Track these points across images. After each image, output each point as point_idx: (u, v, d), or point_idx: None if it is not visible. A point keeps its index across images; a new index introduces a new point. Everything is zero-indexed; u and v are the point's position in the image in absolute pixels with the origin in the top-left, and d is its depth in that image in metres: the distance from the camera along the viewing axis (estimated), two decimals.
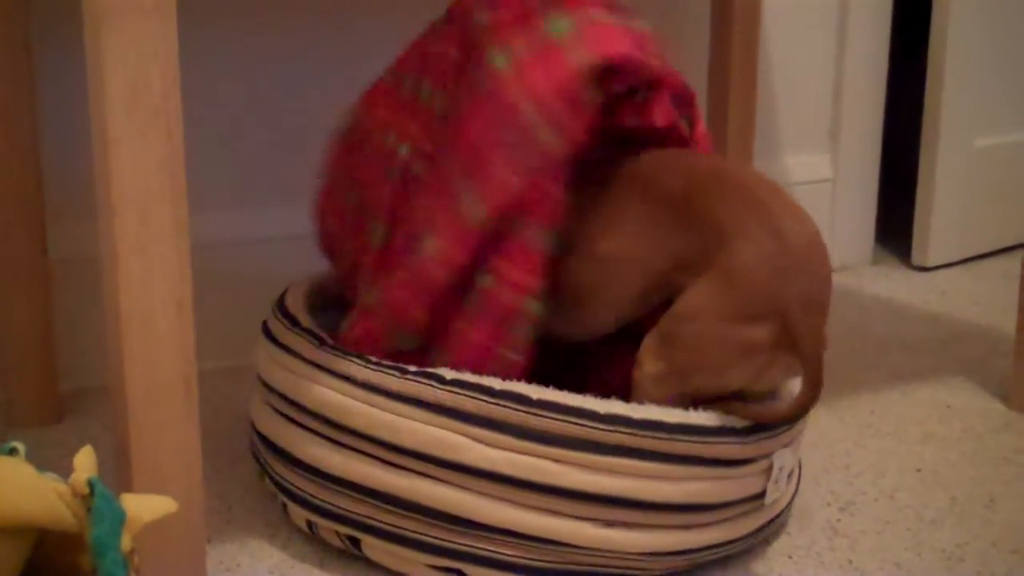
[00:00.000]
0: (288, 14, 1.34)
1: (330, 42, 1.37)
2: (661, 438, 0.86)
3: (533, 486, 0.86)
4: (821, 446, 1.16)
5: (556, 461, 0.86)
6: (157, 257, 0.76)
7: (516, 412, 0.86)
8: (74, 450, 1.11)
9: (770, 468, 0.91)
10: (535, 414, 0.86)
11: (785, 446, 0.92)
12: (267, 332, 1.01)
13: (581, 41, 0.90)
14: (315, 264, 1.14)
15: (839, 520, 1.02)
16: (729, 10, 1.45)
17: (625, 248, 0.95)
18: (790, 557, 0.96)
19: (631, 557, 0.88)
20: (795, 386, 0.95)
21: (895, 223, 1.89)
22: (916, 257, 1.79)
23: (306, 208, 1.21)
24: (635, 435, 0.86)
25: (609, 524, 0.88)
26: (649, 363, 0.91)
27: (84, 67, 1.24)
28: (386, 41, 1.39)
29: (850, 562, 0.95)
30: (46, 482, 0.65)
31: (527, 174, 0.90)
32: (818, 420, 1.23)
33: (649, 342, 0.92)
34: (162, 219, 0.76)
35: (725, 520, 0.91)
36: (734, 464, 0.89)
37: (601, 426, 0.86)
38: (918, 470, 1.12)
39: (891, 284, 1.72)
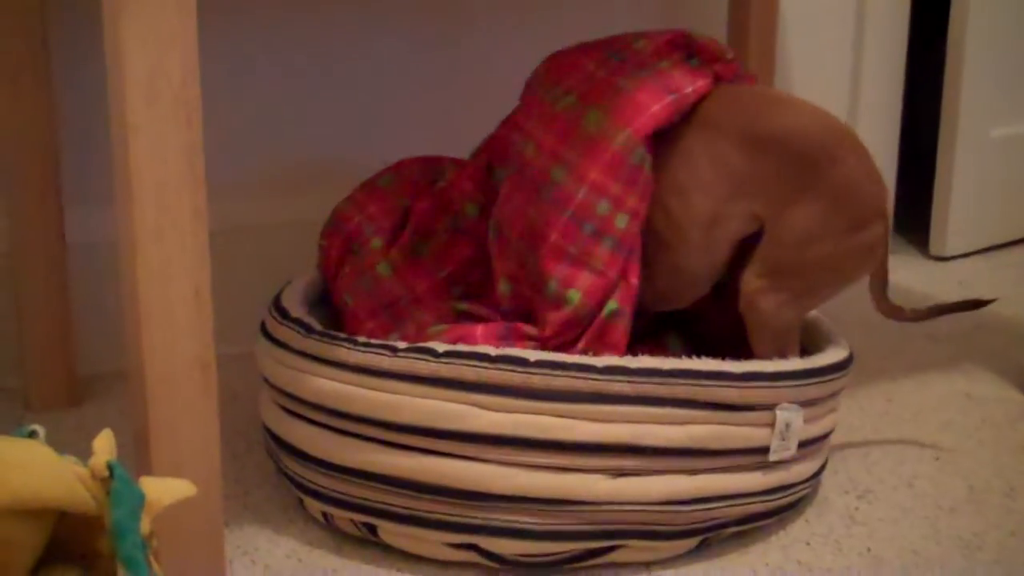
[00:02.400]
0: (309, 5, 1.34)
1: (348, 28, 1.37)
2: (658, 383, 0.89)
3: (541, 444, 0.87)
4: (839, 434, 1.16)
5: (561, 416, 0.88)
6: (175, 244, 0.76)
7: (516, 374, 0.87)
8: (92, 434, 1.12)
9: (774, 422, 0.92)
10: (535, 373, 0.87)
11: (791, 402, 0.93)
12: (263, 328, 1.01)
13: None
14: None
15: (857, 508, 1.02)
16: (746, 3, 1.44)
17: (710, 203, 0.98)
18: (808, 544, 0.96)
19: (644, 508, 0.89)
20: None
21: (913, 213, 1.88)
22: (934, 247, 1.79)
23: (324, 193, 1.21)
24: (634, 383, 0.88)
25: (619, 474, 0.89)
26: (763, 302, 0.97)
27: (101, 53, 1.24)
28: (398, 31, 1.39)
29: (868, 550, 0.95)
30: (66, 465, 0.65)
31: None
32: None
33: (759, 283, 0.97)
34: (181, 206, 0.76)
35: (731, 469, 0.92)
36: (732, 409, 0.91)
37: (601, 377, 0.88)
38: (936, 458, 1.12)
39: (909, 274, 1.71)
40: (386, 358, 0.89)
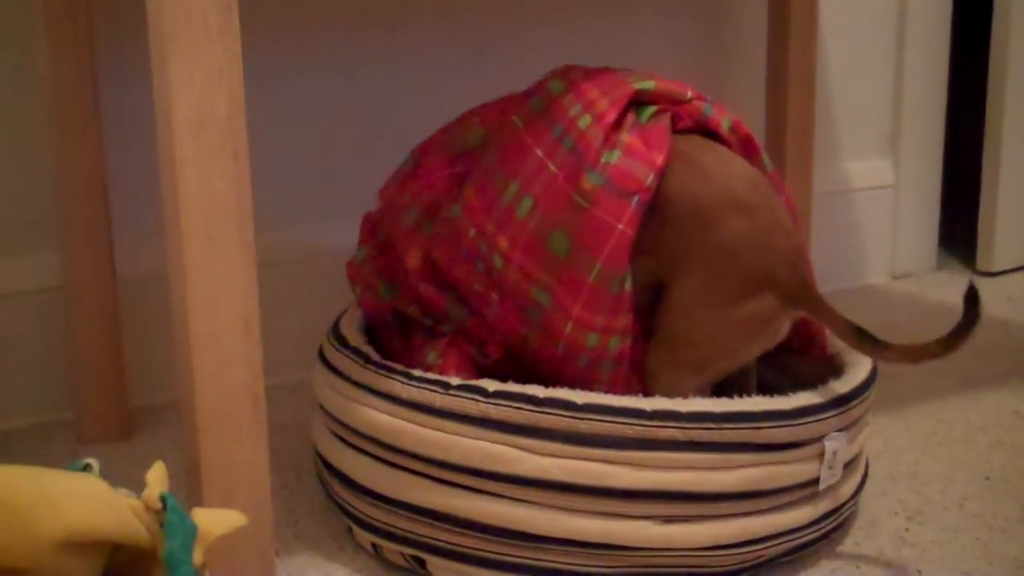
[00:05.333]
0: (346, 32, 1.36)
1: (389, 57, 1.38)
2: (710, 428, 0.87)
3: (588, 490, 0.87)
4: (887, 455, 1.15)
5: (609, 463, 0.87)
6: (224, 276, 0.77)
7: (563, 418, 0.87)
8: (143, 466, 1.13)
9: (822, 453, 0.91)
10: (583, 418, 0.87)
11: (838, 431, 0.92)
12: (321, 354, 1.02)
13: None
14: None
15: (907, 530, 1.01)
16: (786, 15, 1.44)
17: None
18: (858, 567, 0.95)
19: (694, 553, 0.88)
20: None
21: (959, 228, 1.87)
22: (981, 262, 1.77)
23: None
24: (684, 428, 0.87)
25: (668, 520, 0.88)
26: (663, 373, 0.93)
27: (149, 87, 1.26)
28: (441, 56, 1.40)
29: (919, 572, 0.94)
30: (120, 498, 0.66)
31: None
32: (884, 429, 1.22)
33: (653, 355, 0.94)
34: (229, 238, 0.77)
35: (782, 507, 0.91)
36: (785, 448, 0.89)
37: (650, 423, 0.87)
38: (987, 478, 1.11)
39: (956, 290, 1.70)
40: (438, 395, 0.90)
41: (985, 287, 1.71)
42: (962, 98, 1.93)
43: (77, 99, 1.13)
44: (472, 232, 0.97)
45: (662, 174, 0.92)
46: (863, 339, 0.90)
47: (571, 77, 0.98)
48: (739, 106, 1.60)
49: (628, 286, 0.92)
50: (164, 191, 0.78)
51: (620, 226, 0.91)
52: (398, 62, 1.38)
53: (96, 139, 1.15)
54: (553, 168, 0.93)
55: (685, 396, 0.91)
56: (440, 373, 0.95)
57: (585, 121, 0.94)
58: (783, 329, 0.94)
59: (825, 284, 1.70)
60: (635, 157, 0.92)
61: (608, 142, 0.93)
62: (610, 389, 0.93)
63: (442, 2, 1.39)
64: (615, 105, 0.94)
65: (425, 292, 1.00)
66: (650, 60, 1.53)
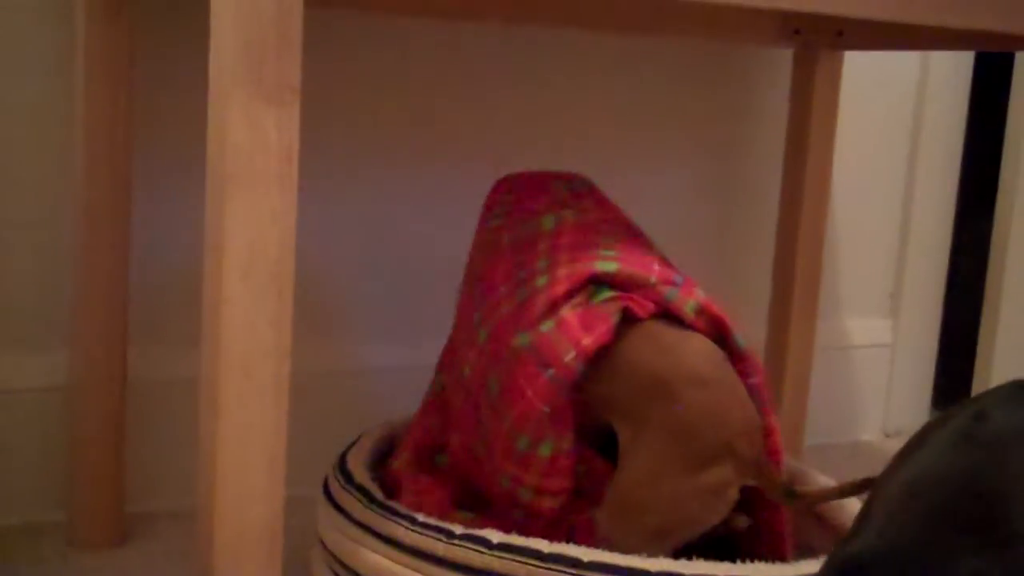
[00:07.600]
0: (382, 156, 1.37)
1: (425, 181, 1.39)
2: None
3: None
4: None
5: None
6: (257, 413, 0.77)
7: (567, 575, 0.86)
8: (135, 575, 1.11)
9: None
10: (585, 575, 0.85)
11: None
12: (325, 489, 1.01)
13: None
14: (401, 400, 1.14)
15: None
16: (800, 179, 1.47)
17: None
18: None
19: None
20: None
21: (953, 387, 1.88)
22: None
23: (397, 342, 1.22)
24: None
25: None
26: (621, 543, 0.92)
27: (179, 194, 1.27)
28: (480, 183, 1.42)
29: None
30: None
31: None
32: None
33: (611, 521, 0.93)
34: (265, 375, 0.77)
35: None
36: None
37: None
38: None
39: None
40: (441, 543, 0.89)
41: None
42: (962, 261, 1.96)
43: (109, 201, 1.14)
44: (455, 359, 1.03)
45: (586, 357, 0.92)
46: (791, 497, 0.93)
47: (561, 222, 1.00)
48: (748, 259, 1.62)
49: (545, 452, 0.92)
50: (206, 325, 0.78)
51: (529, 393, 0.92)
52: (437, 187, 1.40)
53: (123, 243, 1.15)
54: (505, 310, 0.96)
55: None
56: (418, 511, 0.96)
57: (541, 281, 0.96)
58: (735, 497, 0.94)
59: (818, 438, 1.71)
60: (564, 333, 0.93)
61: (550, 311, 0.94)
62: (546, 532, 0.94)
63: (497, 138, 1.41)
64: (571, 280, 0.95)
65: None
66: (662, 210, 1.55)
